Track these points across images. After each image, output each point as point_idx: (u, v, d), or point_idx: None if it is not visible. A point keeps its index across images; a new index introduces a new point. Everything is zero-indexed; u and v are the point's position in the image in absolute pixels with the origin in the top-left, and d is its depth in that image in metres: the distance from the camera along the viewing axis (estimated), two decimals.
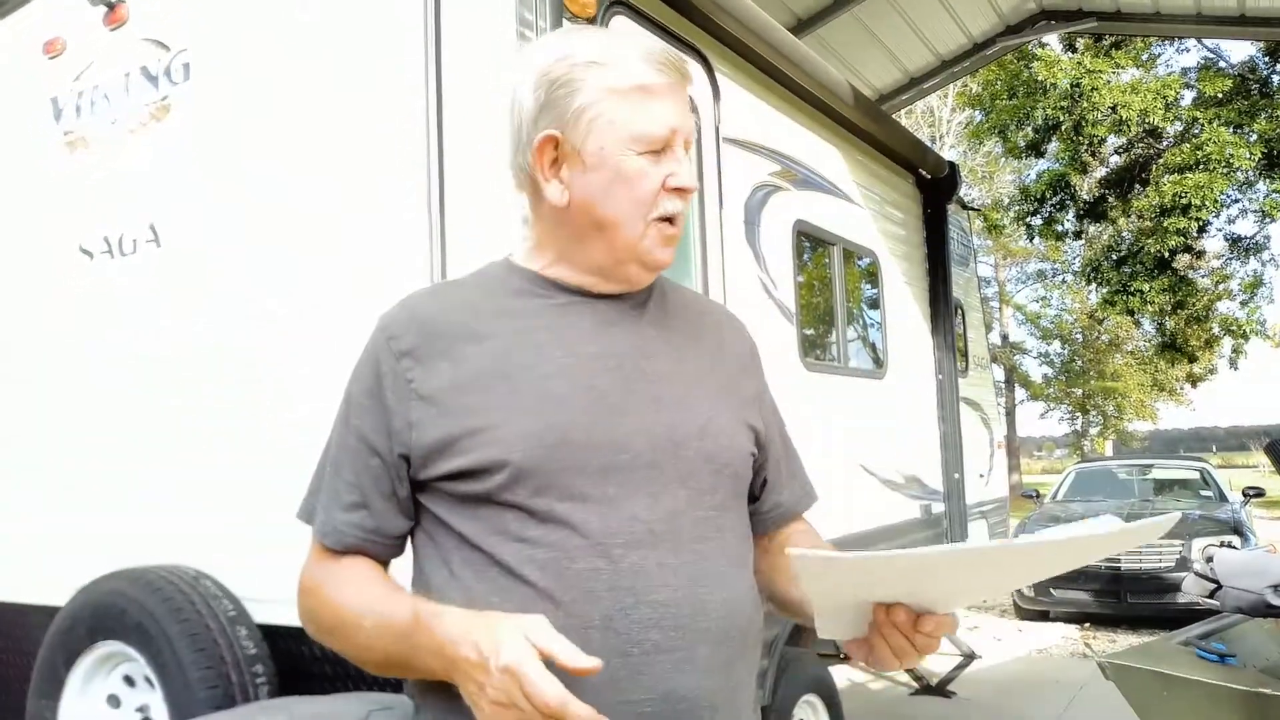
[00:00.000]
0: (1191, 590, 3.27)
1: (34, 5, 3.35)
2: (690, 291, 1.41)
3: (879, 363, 4.85)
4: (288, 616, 2.47)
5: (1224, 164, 13.37)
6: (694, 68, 3.27)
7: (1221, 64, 14.67)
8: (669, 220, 1.18)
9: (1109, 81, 13.99)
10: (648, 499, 1.11)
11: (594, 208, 1.17)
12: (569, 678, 0.98)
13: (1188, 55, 16.55)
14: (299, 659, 2.42)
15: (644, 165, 1.16)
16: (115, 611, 2.50)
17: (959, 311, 5.95)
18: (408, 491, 1.16)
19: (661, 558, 1.10)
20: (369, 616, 1.11)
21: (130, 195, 2.94)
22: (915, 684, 6.10)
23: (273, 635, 2.46)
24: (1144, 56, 15.39)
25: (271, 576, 2.50)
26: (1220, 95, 13.78)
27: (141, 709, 2.59)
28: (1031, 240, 18.78)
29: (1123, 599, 8.14)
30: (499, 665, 0.96)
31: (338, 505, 1.18)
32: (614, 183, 1.15)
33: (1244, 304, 17.53)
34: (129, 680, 2.63)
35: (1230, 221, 16.65)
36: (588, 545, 1.08)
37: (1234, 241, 17.31)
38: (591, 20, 2.80)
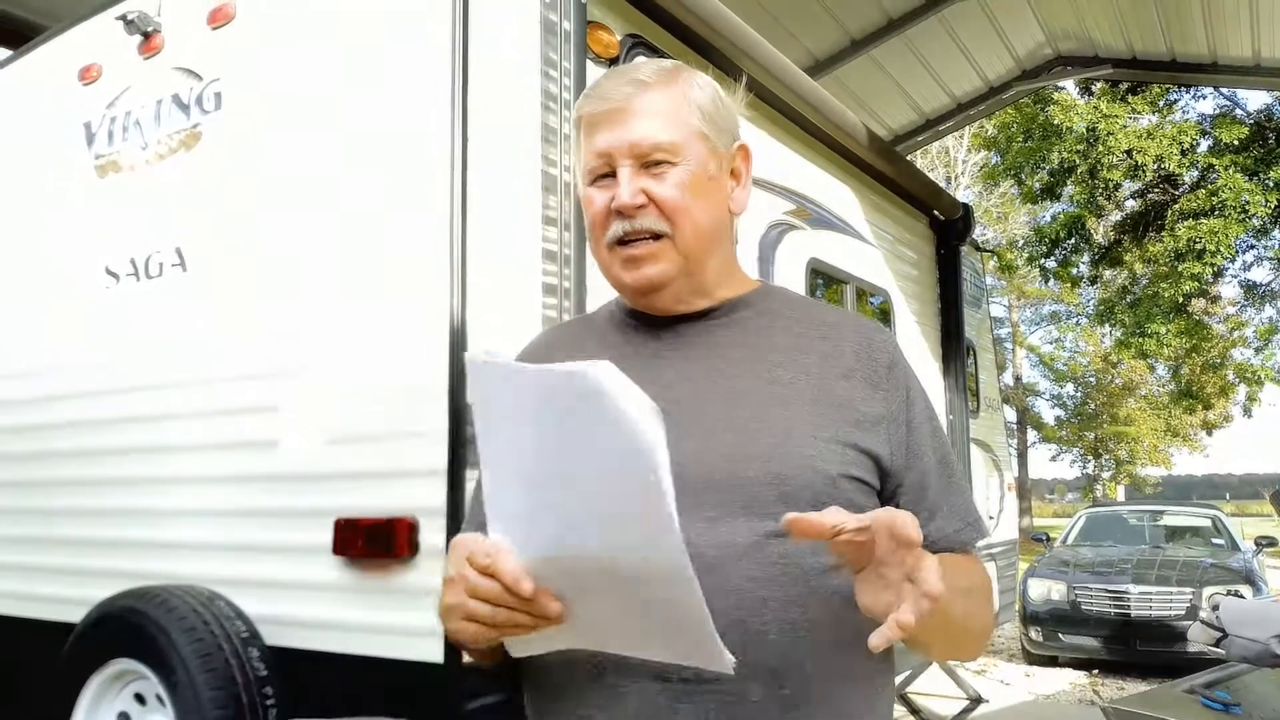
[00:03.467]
0: (1197, 638, 3.25)
1: (72, 33, 3.45)
2: (816, 303, 1.36)
3: None
4: (300, 639, 2.51)
5: (1239, 210, 13.36)
6: None
7: (1238, 112, 14.69)
8: (621, 243, 1.16)
9: (1125, 126, 14.02)
10: (703, 524, 1.05)
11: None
12: (589, 704, 1.03)
13: (1204, 102, 16.47)
14: (310, 682, 2.45)
15: (591, 193, 1.18)
16: (129, 629, 2.53)
17: (970, 352, 5.97)
18: None
19: (715, 583, 1.00)
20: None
21: (158, 220, 3.00)
22: None
23: (284, 658, 2.48)
24: (1160, 102, 15.43)
25: (285, 599, 2.54)
26: (1237, 142, 13.76)
27: None
28: (1046, 283, 18.76)
29: (1132, 646, 8.06)
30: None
31: (472, 527, 1.24)
32: (585, 217, 1.22)
33: (1259, 350, 17.47)
34: (140, 698, 2.66)
35: (1245, 268, 16.62)
36: None
37: (1249, 288, 17.28)
38: (614, 60, 2.86)
